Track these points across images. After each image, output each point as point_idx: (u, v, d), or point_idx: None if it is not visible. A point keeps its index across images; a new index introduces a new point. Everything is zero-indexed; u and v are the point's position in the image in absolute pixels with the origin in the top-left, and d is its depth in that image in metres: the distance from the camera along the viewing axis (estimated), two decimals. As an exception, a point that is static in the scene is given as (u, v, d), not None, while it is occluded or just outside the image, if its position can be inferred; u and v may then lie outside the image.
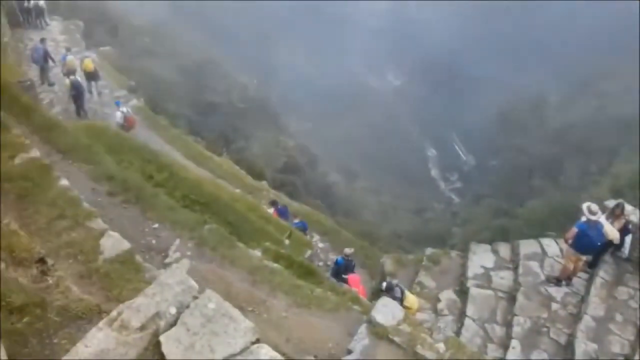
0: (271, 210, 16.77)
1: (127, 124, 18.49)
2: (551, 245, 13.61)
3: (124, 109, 18.80)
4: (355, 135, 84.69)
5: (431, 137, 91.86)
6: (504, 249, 14.10)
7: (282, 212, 17.01)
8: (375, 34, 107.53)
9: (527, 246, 13.70)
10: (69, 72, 20.09)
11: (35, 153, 8.56)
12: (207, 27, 78.46)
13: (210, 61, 47.05)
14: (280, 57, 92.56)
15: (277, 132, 48.21)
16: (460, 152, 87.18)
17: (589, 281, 12.14)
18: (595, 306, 11.26)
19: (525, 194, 42.38)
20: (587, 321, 10.90)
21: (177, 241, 8.84)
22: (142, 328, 3.44)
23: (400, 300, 10.42)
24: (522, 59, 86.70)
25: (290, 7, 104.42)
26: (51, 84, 22.19)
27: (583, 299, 11.74)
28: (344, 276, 12.86)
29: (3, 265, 5.21)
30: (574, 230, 11.19)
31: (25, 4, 27.69)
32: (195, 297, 3.65)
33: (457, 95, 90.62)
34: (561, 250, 13.18)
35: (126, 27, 41.51)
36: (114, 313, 3.60)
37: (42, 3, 28.38)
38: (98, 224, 7.42)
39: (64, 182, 8.14)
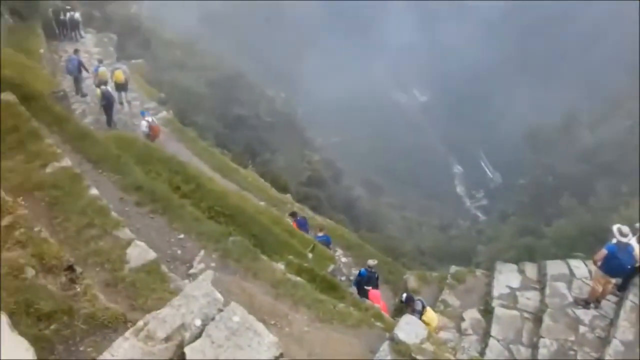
0: (290, 221, 16.91)
1: (152, 133, 18.84)
2: (580, 267, 13.31)
3: (150, 119, 19.15)
4: (380, 150, 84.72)
5: (457, 154, 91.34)
6: (531, 269, 13.84)
7: (301, 224, 17.13)
8: (403, 50, 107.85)
9: (555, 267, 13.43)
10: (101, 83, 20.58)
11: (66, 162, 8.76)
12: (236, 41, 79.62)
13: (239, 74, 47.65)
14: (308, 71, 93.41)
15: (302, 145, 48.44)
16: (487, 170, 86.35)
17: (619, 304, 11.82)
18: (625, 330, 10.94)
19: (553, 214, 41.57)
20: (615, 345, 10.60)
21: (202, 252, 8.91)
22: (168, 339, 3.47)
23: (420, 314, 10.34)
24: (552, 76, 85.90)
25: (319, 23, 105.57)
26: (84, 95, 22.73)
27: (612, 323, 11.42)
28: (366, 287, 12.80)
29: (33, 272, 5.32)
30: (604, 252, 10.94)
31: (62, 16, 28.54)
32: (220, 310, 3.66)
33: (484, 112, 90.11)
34: (590, 272, 12.87)
35: (158, 40, 42.32)
36: (140, 323, 3.64)
37: (77, 16, 29.22)
38: (125, 233, 7.54)
39: (94, 191, 8.30)
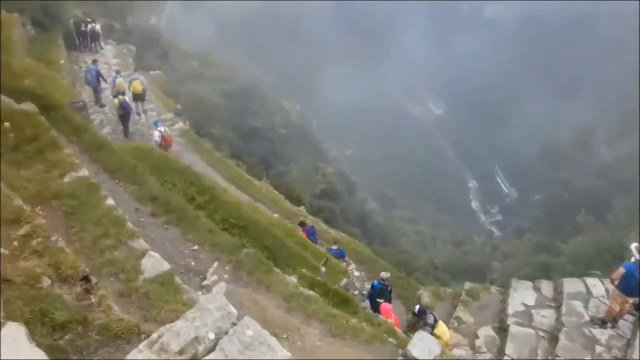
0: (299, 231, 17.06)
1: (164, 143, 19.06)
2: (597, 285, 13.11)
3: (162, 128, 19.38)
4: (394, 163, 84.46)
5: (472, 168, 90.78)
6: (547, 287, 13.66)
7: (310, 233, 17.30)
8: (418, 63, 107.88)
9: (571, 285, 13.24)
10: (118, 93, 20.85)
11: (84, 172, 8.86)
12: (252, 52, 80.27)
13: (254, 86, 47.92)
14: (323, 84, 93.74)
15: (316, 158, 48.42)
16: (502, 184, 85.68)
17: (636, 324, 11.62)
18: (642, 351, 10.75)
19: (570, 230, 41.12)
20: (633, 366, 10.41)
21: (215, 264, 8.93)
22: (181, 352, 3.46)
23: (432, 328, 10.28)
24: (569, 90, 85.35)
25: (333, 35, 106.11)
26: (102, 105, 23.03)
27: (629, 343, 11.22)
28: (378, 300, 12.76)
29: (49, 281, 5.36)
30: (621, 270, 10.79)
31: (83, 27, 29.02)
32: (234, 324, 3.65)
33: (500, 126, 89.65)
34: (607, 290, 12.68)
35: (176, 51, 42.83)
36: (154, 335, 3.64)
37: (98, 27, 29.69)
38: (140, 244, 7.58)
39: (110, 201, 8.37)
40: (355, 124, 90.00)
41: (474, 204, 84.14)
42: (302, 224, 17.84)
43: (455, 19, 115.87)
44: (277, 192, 25.12)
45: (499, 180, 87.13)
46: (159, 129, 19.23)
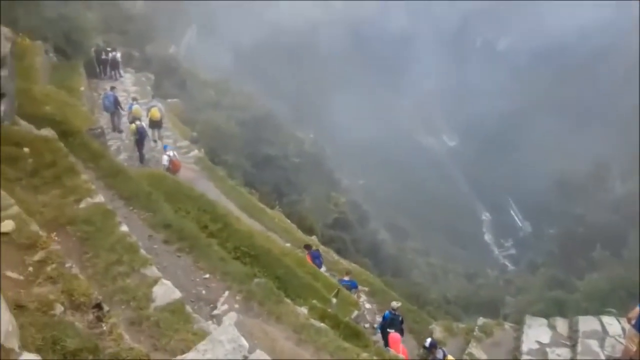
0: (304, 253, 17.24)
1: (172, 167, 19.28)
2: (613, 324, 12.81)
3: (171, 153, 19.62)
4: (407, 194, 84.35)
5: (485, 200, 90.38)
6: (562, 325, 13.38)
7: (315, 256, 17.37)
8: (431, 95, 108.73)
9: (587, 323, 12.96)
10: (135, 119, 21.19)
11: (99, 198, 8.94)
12: (268, 82, 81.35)
13: (269, 115, 48.37)
14: (337, 113, 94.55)
15: (329, 187, 48.40)
16: (516, 218, 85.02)
17: (654, 366, 11.30)
18: (660, 394, 10.43)
19: (585, 266, 40.54)
20: (650, 409, 10.11)
21: (226, 293, 8.91)
22: (192, 385, 3.45)
23: (440, 363, 10.18)
24: (584, 123, 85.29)
25: (348, 66, 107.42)
26: (120, 131, 23.39)
27: (647, 385, 10.91)
28: (388, 330, 12.63)
29: (62, 308, 5.38)
30: (637, 310, 10.55)
31: (103, 56, 29.71)
32: (245, 357, 3.64)
33: (514, 159, 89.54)
34: (623, 329, 12.39)
35: (194, 80, 43.52)
36: (165, 367, 3.64)
37: (118, 56, 30.39)
38: (152, 271, 7.58)
39: (124, 228, 8.41)
40: (368, 154, 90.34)
41: (487, 237, 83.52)
42: (307, 247, 17.94)
43: (469, 51, 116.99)
44: (289, 221, 25.11)
45: (513, 213, 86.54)
46: (167, 153, 19.51)
